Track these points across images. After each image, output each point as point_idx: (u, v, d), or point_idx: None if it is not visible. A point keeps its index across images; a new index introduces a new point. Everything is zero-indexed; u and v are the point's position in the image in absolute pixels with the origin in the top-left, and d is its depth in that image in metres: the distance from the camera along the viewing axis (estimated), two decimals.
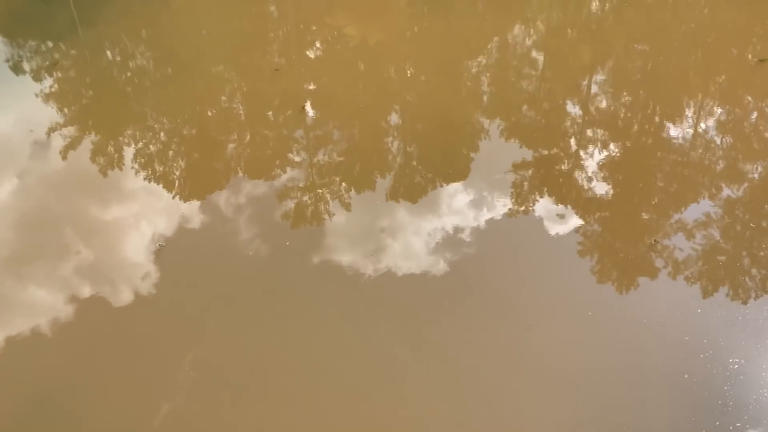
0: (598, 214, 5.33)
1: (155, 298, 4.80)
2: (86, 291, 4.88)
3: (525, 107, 6.59)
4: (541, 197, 5.54)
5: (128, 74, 7.54)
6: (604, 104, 6.58)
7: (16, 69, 7.80)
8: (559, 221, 5.26)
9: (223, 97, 7.05)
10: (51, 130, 6.64)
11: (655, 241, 4.96)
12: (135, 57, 7.89)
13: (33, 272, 5.14)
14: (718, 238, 4.99)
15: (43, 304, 4.86)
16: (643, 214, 5.29)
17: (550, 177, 5.75)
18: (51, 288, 4.97)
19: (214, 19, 8.44)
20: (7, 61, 8.01)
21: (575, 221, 5.24)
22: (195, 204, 5.67)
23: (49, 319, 4.72)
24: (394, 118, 6.60)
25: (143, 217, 5.60)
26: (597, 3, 8.55)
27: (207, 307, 4.66)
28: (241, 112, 6.89)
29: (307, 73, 7.39)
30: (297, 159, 6.12)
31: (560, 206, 5.41)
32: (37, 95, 7.27)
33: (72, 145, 6.44)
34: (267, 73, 7.37)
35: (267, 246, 5.15)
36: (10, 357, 4.44)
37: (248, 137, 6.50)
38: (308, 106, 6.70)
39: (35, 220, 5.62)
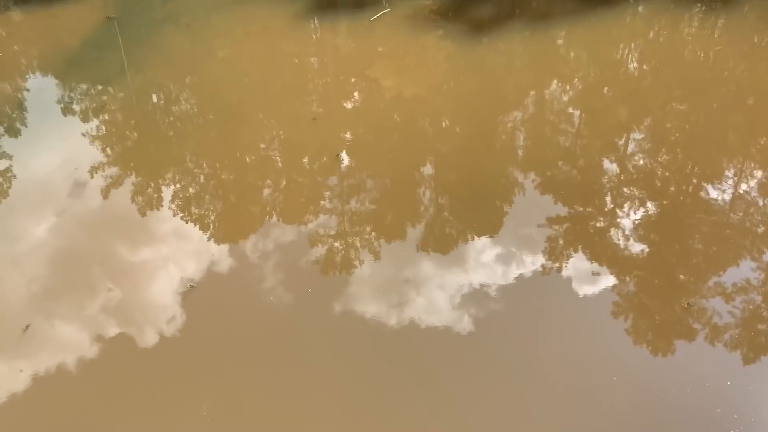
0: (633, 273, 5.20)
1: (180, 339, 4.82)
2: (114, 329, 4.91)
3: (560, 163, 6.55)
4: (575, 254, 5.47)
5: (171, 118, 7.79)
6: (641, 162, 6.54)
7: (66, 110, 8.11)
8: (593, 279, 5.16)
9: (262, 144, 7.22)
10: (94, 169, 6.88)
11: (689, 304, 4.80)
12: (179, 102, 8.15)
13: (64, 309, 5.20)
14: (760, 303, 4.80)
15: (72, 340, 4.90)
16: (680, 275, 5.14)
17: (585, 234, 5.70)
18: (80, 325, 5.02)
19: (256, 69, 8.71)
20: (59, 102, 8.32)
21: (609, 280, 5.16)
22: (226, 247, 5.78)
23: (76, 356, 4.76)
24: (428, 169, 6.64)
25: (176, 257, 5.72)
26: (635, 62, 8.54)
27: (227, 350, 4.63)
28: (278, 158, 7.04)
29: (343, 123, 7.51)
30: (329, 206, 6.20)
31: (594, 264, 5.33)
32: (83, 135, 7.54)
33: (113, 185, 6.65)
34: (304, 121, 7.51)
35: (291, 292, 5.21)
36: (34, 391, 4.45)
37: (283, 183, 6.62)
38: (343, 155, 6.74)
39: (70, 258, 5.73)
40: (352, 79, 8.45)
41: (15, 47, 9.93)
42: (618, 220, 5.80)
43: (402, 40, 8.99)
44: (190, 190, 6.55)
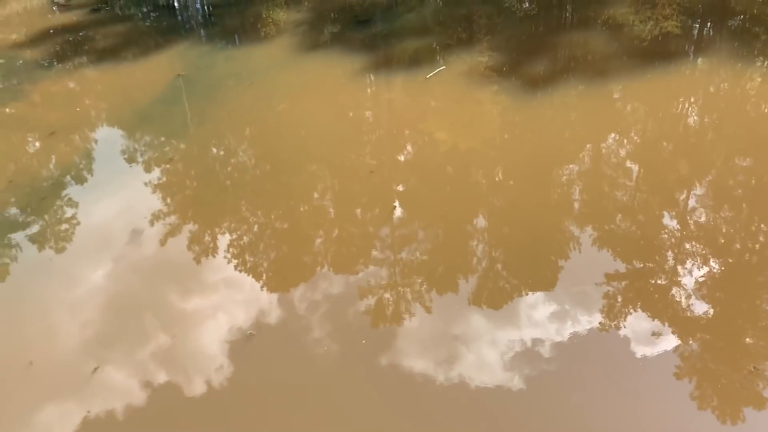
0: (697, 334, 5.02)
1: (232, 388, 4.86)
2: (163, 377, 4.97)
3: (618, 217, 6.42)
4: (634, 313, 5.29)
5: (229, 169, 7.99)
6: (703, 218, 6.37)
7: (130, 160, 8.42)
8: (653, 340, 5.01)
9: (316, 195, 7.33)
10: (155, 218, 7.13)
11: (755, 367, 4.53)
12: (237, 154, 8.41)
13: (119, 355, 5.30)
14: None
15: (124, 387, 4.97)
16: (747, 338, 4.88)
17: (645, 292, 5.53)
18: (133, 372, 5.09)
19: (313, 122, 8.96)
20: (123, 153, 8.66)
21: (670, 341, 4.99)
22: (280, 296, 5.86)
23: (125, 403, 4.81)
24: (481, 222, 6.62)
25: (225, 307, 5.82)
26: (695, 116, 8.37)
27: (275, 401, 4.67)
28: (332, 209, 7.12)
29: (397, 175, 7.60)
30: (381, 257, 6.23)
31: (655, 323, 5.16)
32: (146, 185, 7.80)
33: (171, 233, 6.90)
34: (359, 173, 7.64)
35: (341, 343, 5.20)
36: None
37: (336, 233, 6.68)
38: (397, 206, 6.76)
39: (127, 305, 5.86)
40: (407, 133, 8.57)
41: (86, 101, 10.46)
42: (680, 278, 5.60)
43: (456, 95, 9.11)
44: (245, 239, 6.67)
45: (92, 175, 8.36)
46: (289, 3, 14.40)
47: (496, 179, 7.39)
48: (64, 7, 15.83)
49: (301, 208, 7.13)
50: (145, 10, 15.84)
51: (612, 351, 4.97)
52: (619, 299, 5.41)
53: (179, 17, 14.74)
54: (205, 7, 14.88)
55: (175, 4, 15.83)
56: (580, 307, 5.36)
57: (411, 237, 6.46)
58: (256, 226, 6.90)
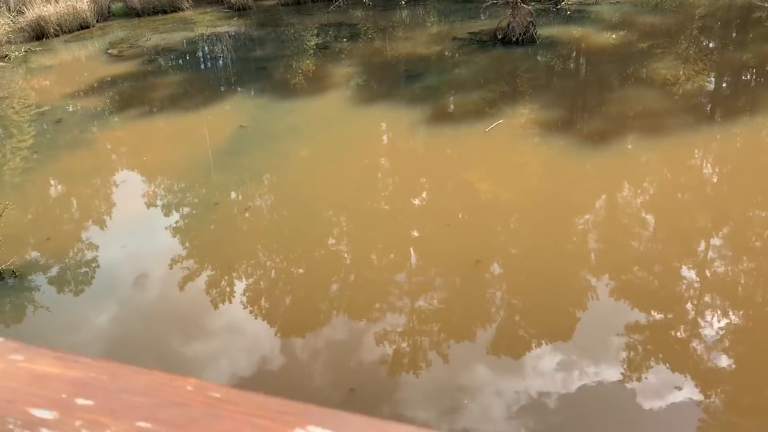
0: (720, 387, 5.06)
1: None
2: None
3: (636, 268, 6.54)
4: (656, 365, 5.31)
5: (246, 215, 8.20)
6: (721, 270, 6.45)
7: (120, 194, 9.13)
8: (675, 394, 5.00)
9: (332, 240, 7.55)
10: (173, 262, 7.33)
11: None
12: (254, 198, 8.64)
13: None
14: None
15: None
16: None
17: (666, 344, 5.56)
18: None
19: (334, 168, 9.26)
20: (116, 186, 9.40)
21: (693, 394, 4.99)
22: (281, 341, 5.95)
23: None
24: (501, 271, 6.72)
25: (240, 350, 5.91)
26: (710, 167, 8.63)
27: None
28: (347, 255, 7.29)
29: (415, 220, 7.82)
30: (398, 304, 6.29)
31: (677, 375, 5.17)
32: (165, 228, 8.15)
33: (189, 277, 7.03)
34: (375, 217, 7.90)
35: (360, 392, 5.23)
36: None
37: (352, 278, 6.81)
38: (412, 252, 7.02)
39: (149, 352, 6.05)
40: (452, 183, 8.72)
41: (152, 151, 10.80)
42: (700, 329, 5.67)
43: (506, 148, 9.37)
44: (261, 284, 6.86)
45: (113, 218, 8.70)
46: (337, 57, 14.89)
47: (533, 230, 7.50)
48: (117, 57, 16.40)
49: (316, 254, 7.28)
50: (196, 62, 16.39)
51: (632, 403, 4.97)
52: (640, 350, 5.45)
53: (231, 69, 15.24)
54: (255, 61, 15.37)
55: (226, 56, 16.37)
56: (601, 358, 5.41)
57: (426, 284, 6.57)
58: (272, 271, 7.08)
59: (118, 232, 8.27)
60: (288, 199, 8.51)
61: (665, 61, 12.42)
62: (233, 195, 8.72)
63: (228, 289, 6.83)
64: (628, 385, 5.09)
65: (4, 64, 16.43)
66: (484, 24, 16.13)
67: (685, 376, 5.15)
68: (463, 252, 6.94)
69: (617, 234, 7.28)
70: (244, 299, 6.63)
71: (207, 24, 19.72)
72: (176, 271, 7.15)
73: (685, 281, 6.36)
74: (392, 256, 7.19)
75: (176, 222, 8.30)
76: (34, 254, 7.67)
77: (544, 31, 14.70)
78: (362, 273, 6.91)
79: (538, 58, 13.53)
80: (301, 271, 7.11)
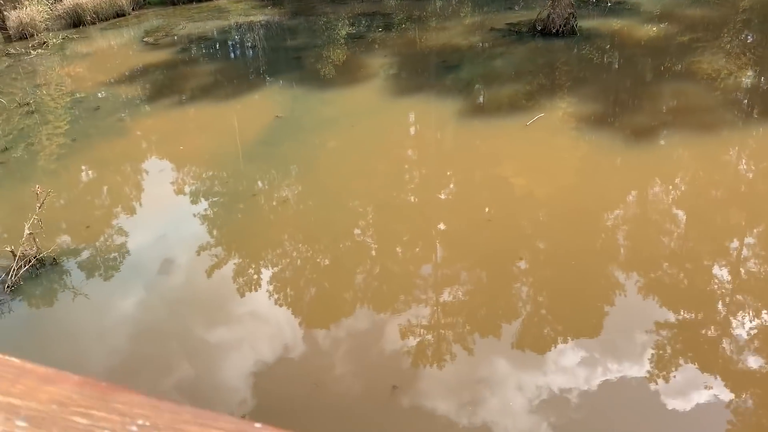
0: (750, 389, 4.94)
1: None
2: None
3: (666, 265, 6.43)
4: (685, 364, 5.23)
5: (273, 203, 8.25)
6: (755, 268, 6.31)
7: (159, 183, 9.20)
8: (704, 393, 4.93)
9: (357, 231, 7.54)
10: (201, 249, 7.41)
11: None
12: (281, 189, 8.67)
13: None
14: None
15: None
16: None
17: (695, 342, 5.48)
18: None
19: (363, 159, 9.28)
20: (155, 175, 9.39)
21: (723, 394, 4.89)
22: (304, 332, 5.98)
23: None
24: (529, 265, 6.65)
25: (264, 339, 5.94)
26: (748, 165, 8.37)
27: None
28: (373, 246, 7.28)
29: (440, 213, 7.79)
30: (422, 297, 6.28)
31: (706, 375, 5.09)
32: (194, 216, 8.24)
33: (218, 265, 7.11)
34: (404, 210, 7.90)
35: (376, 389, 5.22)
36: None
37: (377, 270, 6.80)
38: (438, 247, 7.00)
39: (167, 334, 6.14)
40: (486, 177, 8.60)
41: (189, 140, 10.79)
42: (732, 329, 5.54)
43: (548, 141, 9.28)
44: (287, 273, 6.89)
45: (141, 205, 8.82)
46: (372, 47, 14.76)
47: (567, 225, 7.35)
48: (153, 46, 16.46)
49: (341, 245, 7.27)
50: (231, 51, 16.38)
51: (659, 402, 4.90)
52: (668, 349, 5.36)
53: (265, 58, 15.19)
54: (289, 50, 15.31)
55: (260, 45, 16.33)
56: (628, 355, 5.32)
57: (453, 277, 6.53)
58: (299, 261, 7.08)
59: (155, 220, 8.33)
60: (323, 191, 8.48)
61: (706, 55, 12.09)
62: (271, 186, 8.70)
63: (262, 277, 6.89)
64: (656, 384, 5.03)
65: (43, 51, 16.62)
66: (521, 15, 15.88)
67: (715, 377, 5.06)
68: (503, 249, 6.90)
69: (654, 231, 7.16)
70: (275, 288, 6.70)
71: (241, 13, 19.73)
72: (211, 259, 7.25)
73: (720, 280, 6.23)
74: (427, 250, 7.19)
75: (213, 212, 8.33)
76: (74, 241, 7.72)
77: (585, 23, 14.41)
78: (393, 266, 6.92)
79: (579, 50, 13.27)
80: (336, 262, 7.11)
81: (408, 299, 6.25)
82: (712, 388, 4.94)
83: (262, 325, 6.20)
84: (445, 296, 6.26)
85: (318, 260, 7.08)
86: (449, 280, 6.51)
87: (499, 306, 6.10)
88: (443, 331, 5.79)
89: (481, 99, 11.33)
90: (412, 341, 5.68)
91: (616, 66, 12.53)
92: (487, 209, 7.77)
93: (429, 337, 5.73)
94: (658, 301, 5.95)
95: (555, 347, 5.51)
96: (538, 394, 5.02)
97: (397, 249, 7.19)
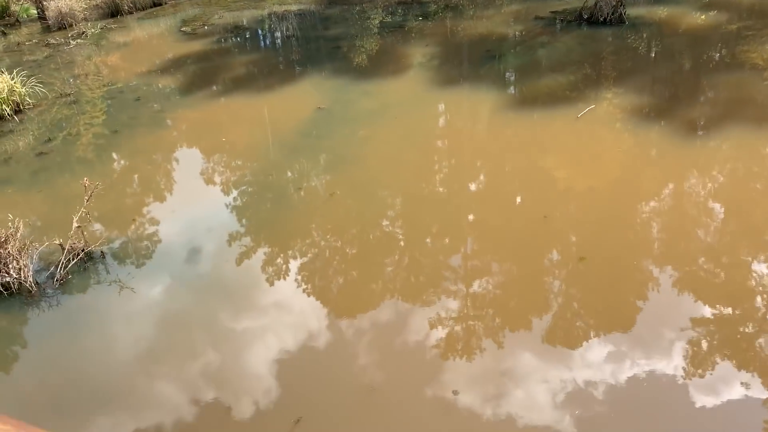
0: None
1: (278, 408, 5.07)
2: (210, 395, 5.30)
3: (702, 260, 6.31)
4: (722, 361, 5.15)
5: (301, 193, 8.28)
6: None
7: (203, 177, 9.23)
8: (740, 391, 4.84)
9: (385, 221, 7.53)
10: (231, 238, 7.49)
11: None
12: (303, 174, 8.72)
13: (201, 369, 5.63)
14: None
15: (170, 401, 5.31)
16: None
17: (732, 339, 5.36)
18: (178, 387, 5.45)
19: (384, 148, 9.25)
20: (198, 168, 9.50)
21: (760, 392, 4.80)
22: (333, 322, 6.02)
23: (172, 418, 5.14)
24: (563, 258, 6.56)
25: (291, 328, 6.02)
26: None
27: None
28: (401, 236, 7.24)
29: (466, 204, 7.76)
30: (452, 288, 6.28)
31: (743, 373, 4.98)
32: (220, 201, 8.39)
33: (246, 254, 7.18)
34: (426, 199, 7.86)
35: (400, 382, 5.25)
36: None
37: (406, 261, 6.78)
38: (469, 241, 6.98)
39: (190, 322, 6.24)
40: (527, 169, 8.44)
41: (231, 131, 10.68)
42: None
43: (599, 134, 9.11)
44: (315, 263, 6.91)
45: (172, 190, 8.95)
46: (412, 36, 14.51)
47: (607, 220, 7.17)
48: (190, 35, 16.40)
49: (371, 235, 7.23)
50: (268, 41, 16.25)
51: (696, 400, 4.84)
52: (705, 345, 5.29)
53: (304, 48, 15.02)
54: (327, 40, 15.11)
55: (298, 35, 16.16)
56: (663, 351, 5.25)
57: (483, 269, 6.49)
58: (327, 251, 7.06)
59: (201, 213, 8.26)
60: (373, 183, 8.27)
61: (758, 44, 11.58)
62: (317, 180, 8.56)
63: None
64: (692, 381, 4.98)
65: (81, 41, 16.69)
66: (566, 2, 15.50)
67: (753, 374, 4.96)
68: (563, 246, 6.81)
69: (695, 226, 6.99)
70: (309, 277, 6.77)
71: (276, 2, 19.61)
72: (262, 254, 7.14)
73: None
74: (468, 242, 7.14)
75: (259, 207, 8.26)
76: (121, 234, 7.68)
77: (632, 11, 14.00)
78: (421, 257, 6.90)
79: (628, 39, 12.89)
80: (408, 250, 7.08)
81: (435, 289, 6.26)
82: (750, 385, 4.86)
83: (289, 313, 6.26)
84: (478, 286, 6.24)
85: (404, 251, 7.08)
86: (478, 271, 6.48)
87: (528, 296, 6.05)
88: (471, 323, 5.77)
89: (529, 89, 11.04)
90: (442, 333, 5.68)
91: (665, 56, 12.11)
92: (556, 207, 7.68)
93: (456, 329, 5.72)
94: (704, 297, 5.84)
95: (587, 341, 5.46)
96: (563, 387, 5.01)
97: (427, 240, 7.16)
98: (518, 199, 7.77)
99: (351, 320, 6.00)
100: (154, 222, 8.04)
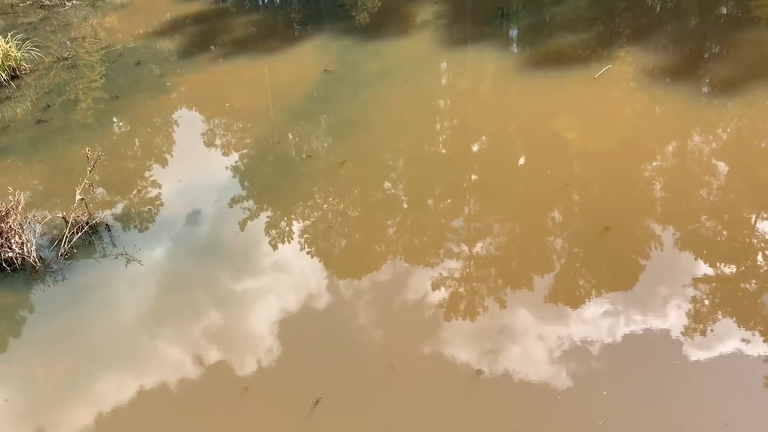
0: None
1: (283, 366, 5.24)
2: (214, 355, 5.46)
3: (704, 218, 6.38)
4: (723, 318, 5.26)
5: (303, 156, 8.27)
6: None
7: (208, 144, 9.11)
8: (742, 346, 4.98)
9: (388, 184, 7.55)
10: (234, 201, 7.53)
11: None
12: (312, 140, 8.67)
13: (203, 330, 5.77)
14: None
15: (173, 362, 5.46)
16: None
17: (733, 296, 5.47)
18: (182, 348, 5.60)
19: (396, 111, 9.12)
20: (203, 134, 9.34)
21: (761, 349, 4.93)
22: (331, 282, 6.14)
23: (176, 378, 5.29)
24: (569, 218, 6.61)
25: (295, 289, 6.13)
26: None
27: (318, 387, 4.98)
28: (404, 198, 7.28)
29: (474, 166, 7.75)
30: (455, 249, 6.37)
31: (743, 330, 5.12)
32: (227, 168, 8.31)
33: (251, 217, 7.23)
34: (435, 162, 7.88)
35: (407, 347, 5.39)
36: (131, 409, 5.07)
37: (409, 223, 6.86)
38: (471, 202, 7.07)
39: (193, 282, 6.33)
40: (540, 131, 8.29)
41: (236, 95, 10.36)
42: None
43: (615, 96, 8.94)
44: (319, 226, 6.93)
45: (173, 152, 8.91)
46: None
47: (618, 183, 7.12)
48: None
49: (373, 197, 7.25)
50: (270, 0, 15.74)
51: (698, 356, 4.96)
52: (707, 302, 5.39)
53: (308, 8, 14.55)
54: None
55: None
56: (665, 309, 5.37)
57: (485, 230, 6.54)
58: (330, 214, 7.08)
59: (205, 182, 8.08)
60: (389, 150, 8.05)
61: None
62: (326, 146, 8.33)
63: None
64: (692, 338, 5.10)
65: (77, 2, 16.24)
66: None
67: (754, 332, 5.08)
68: (590, 217, 6.83)
69: (684, 181, 6.93)
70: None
71: None
72: (274, 225, 7.14)
73: None
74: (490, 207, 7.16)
75: (266, 175, 8.13)
76: (125, 205, 7.55)
77: None
78: (424, 218, 6.93)
79: None
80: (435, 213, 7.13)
81: (438, 250, 6.33)
82: (751, 342, 4.97)
83: (294, 274, 6.34)
84: (479, 247, 6.32)
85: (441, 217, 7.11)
86: (481, 233, 6.54)
87: (532, 256, 6.10)
88: (474, 284, 5.85)
89: (543, 49, 10.72)
90: (446, 293, 5.78)
91: (681, 11, 11.66)
92: (561, 178, 7.66)
93: (457, 289, 5.81)
94: (716, 255, 5.89)
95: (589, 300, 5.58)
96: (562, 344, 5.13)
97: (429, 201, 7.16)
98: (532, 163, 7.72)
99: (355, 280, 6.08)
100: (159, 191, 7.93)
